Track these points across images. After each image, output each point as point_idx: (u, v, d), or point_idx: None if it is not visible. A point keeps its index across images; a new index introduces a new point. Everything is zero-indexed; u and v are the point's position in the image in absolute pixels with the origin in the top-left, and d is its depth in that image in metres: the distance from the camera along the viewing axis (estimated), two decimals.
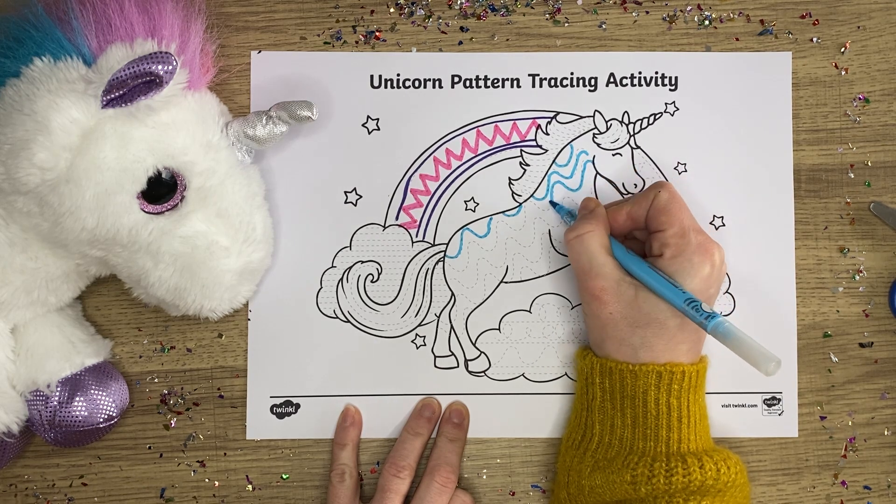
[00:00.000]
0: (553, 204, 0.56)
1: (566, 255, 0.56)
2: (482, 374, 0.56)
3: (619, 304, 0.49)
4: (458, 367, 0.56)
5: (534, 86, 0.57)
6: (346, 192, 0.56)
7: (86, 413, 0.52)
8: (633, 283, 0.49)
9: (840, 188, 0.57)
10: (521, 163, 0.56)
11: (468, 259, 0.56)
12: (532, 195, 0.56)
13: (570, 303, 0.56)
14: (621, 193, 0.56)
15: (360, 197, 0.56)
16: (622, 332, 0.49)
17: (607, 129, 0.56)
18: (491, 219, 0.56)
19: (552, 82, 0.57)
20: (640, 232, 0.53)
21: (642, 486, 0.47)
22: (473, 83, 0.57)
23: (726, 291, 0.56)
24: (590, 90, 0.57)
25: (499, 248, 0.56)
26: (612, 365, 0.49)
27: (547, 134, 0.56)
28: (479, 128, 0.56)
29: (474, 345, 0.56)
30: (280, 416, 0.55)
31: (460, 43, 0.57)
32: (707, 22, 0.57)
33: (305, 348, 0.55)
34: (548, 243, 0.56)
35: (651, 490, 0.47)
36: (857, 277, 0.56)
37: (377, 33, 0.57)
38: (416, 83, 0.56)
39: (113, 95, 0.45)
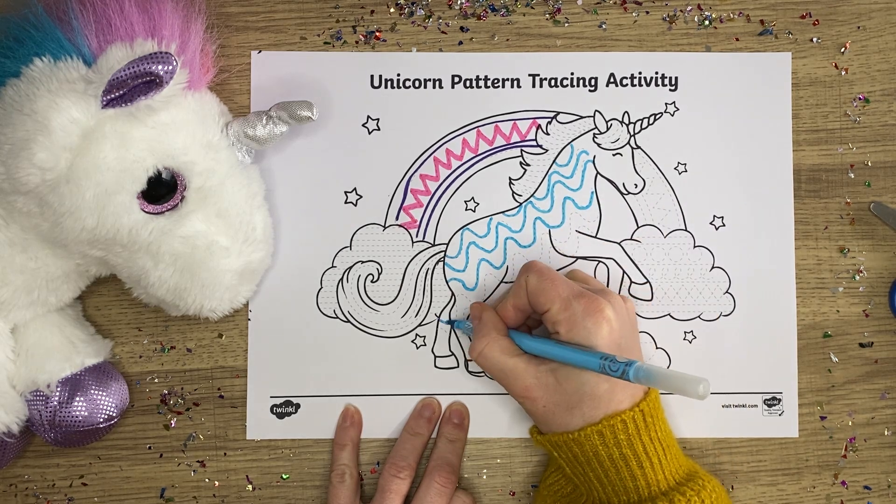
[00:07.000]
0: (451, 323, 0.55)
1: (568, 255, 0.56)
2: (482, 374, 0.56)
3: (547, 395, 0.48)
4: (458, 367, 0.56)
5: (534, 86, 0.56)
6: (346, 192, 0.56)
7: (86, 413, 0.51)
8: (550, 367, 0.48)
9: (840, 188, 0.57)
10: (521, 163, 0.56)
11: (468, 259, 0.56)
12: (532, 195, 0.56)
13: None
14: (622, 193, 0.56)
15: (360, 197, 0.56)
16: (562, 418, 0.48)
17: (607, 129, 0.56)
18: (491, 219, 0.56)
19: (552, 82, 0.57)
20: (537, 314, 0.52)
21: None
22: (473, 83, 0.57)
23: (726, 292, 0.56)
24: (590, 90, 0.57)
25: (499, 248, 0.56)
26: (557, 438, 0.49)
27: (547, 134, 0.56)
28: (480, 128, 0.56)
29: None
30: (280, 416, 0.55)
31: (460, 43, 0.57)
32: (707, 22, 0.57)
33: (305, 348, 0.55)
34: (548, 243, 0.56)
35: None
36: (857, 277, 0.56)
37: (377, 33, 0.57)
38: (416, 83, 0.56)
39: (113, 95, 0.45)
